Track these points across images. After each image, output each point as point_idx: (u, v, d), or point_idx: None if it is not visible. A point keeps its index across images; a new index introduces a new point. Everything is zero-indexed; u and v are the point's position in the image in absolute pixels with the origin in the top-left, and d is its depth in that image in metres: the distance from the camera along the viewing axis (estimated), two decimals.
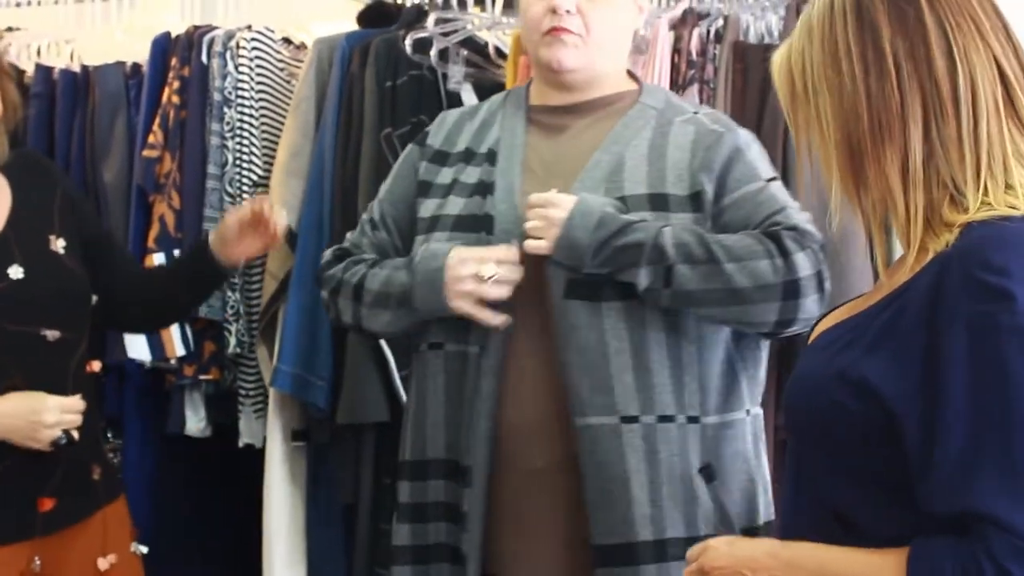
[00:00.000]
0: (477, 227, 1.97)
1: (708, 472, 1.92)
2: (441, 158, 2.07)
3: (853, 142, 1.30)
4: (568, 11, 1.96)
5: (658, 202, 1.92)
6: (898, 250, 1.32)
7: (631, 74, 2.11)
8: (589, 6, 1.97)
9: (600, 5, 1.98)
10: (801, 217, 1.92)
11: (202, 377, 2.87)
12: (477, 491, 1.93)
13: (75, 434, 2.18)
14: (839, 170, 1.33)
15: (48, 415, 2.15)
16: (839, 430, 1.30)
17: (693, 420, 1.91)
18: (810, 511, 1.38)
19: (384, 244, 2.10)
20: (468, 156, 2.05)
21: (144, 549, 2.41)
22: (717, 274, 1.84)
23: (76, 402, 2.20)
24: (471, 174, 2.02)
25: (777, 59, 1.39)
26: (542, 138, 2.03)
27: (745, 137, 1.99)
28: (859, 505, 1.32)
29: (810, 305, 1.85)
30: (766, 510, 1.99)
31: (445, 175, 2.05)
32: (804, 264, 1.85)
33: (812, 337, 1.43)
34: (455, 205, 2.00)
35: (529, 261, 1.92)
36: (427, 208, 2.03)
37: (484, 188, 1.99)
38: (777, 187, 1.97)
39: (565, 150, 2.01)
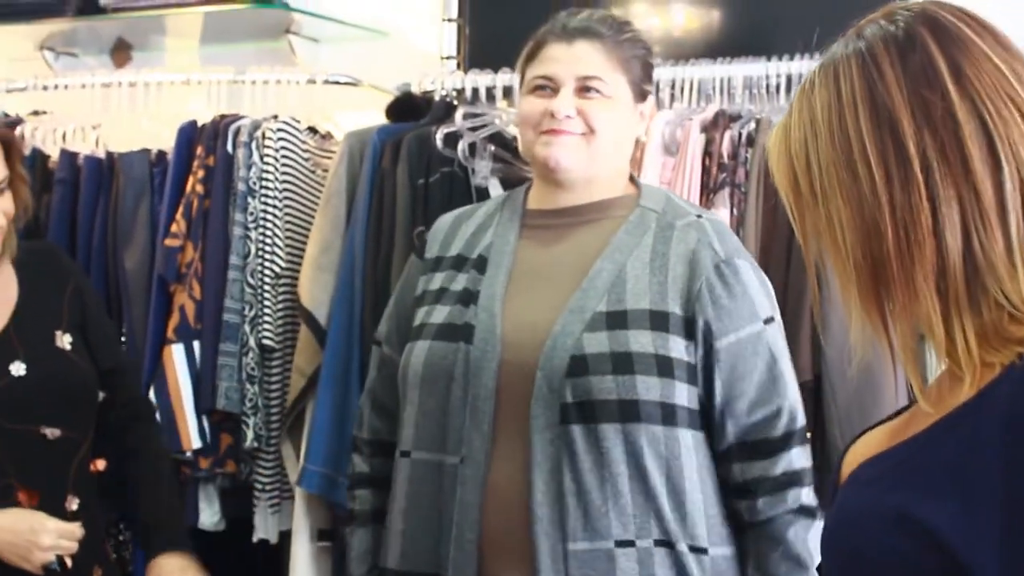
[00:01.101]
0: (457, 336, 1.93)
1: (695, 549, 1.87)
2: (435, 265, 2.04)
3: (876, 260, 1.09)
4: (568, 116, 1.92)
5: (659, 321, 1.86)
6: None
7: (632, 178, 2.05)
8: (589, 107, 1.92)
9: (601, 107, 1.93)
10: (793, 410, 1.91)
11: (218, 470, 2.83)
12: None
13: (68, 561, 2.14)
14: (860, 293, 1.12)
15: (45, 538, 2.11)
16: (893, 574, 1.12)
17: (695, 550, 1.86)
18: None
19: (390, 364, 2.08)
20: (459, 263, 2.01)
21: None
22: None
23: (75, 530, 2.16)
24: (459, 281, 1.98)
25: (774, 148, 1.18)
26: (536, 244, 1.98)
27: (747, 265, 1.93)
28: None
29: None
30: None
31: (435, 281, 2.02)
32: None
33: (848, 468, 1.26)
34: (440, 314, 1.97)
35: (512, 374, 1.87)
36: (417, 316, 2.01)
37: (468, 296, 1.95)
38: (773, 333, 1.91)
39: (560, 256, 1.96)
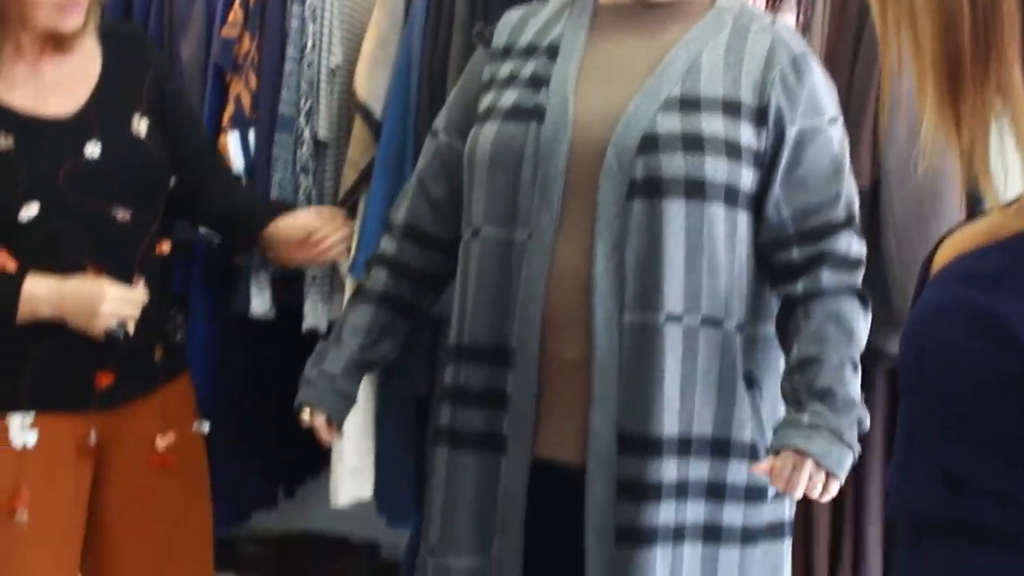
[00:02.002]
0: (527, 118, 1.96)
1: (750, 378, 1.94)
2: (503, 54, 2.06)
3: (953, 53, 1.04)
4: None
5: (731, 108, 1.91)
6: None
7: None
8: None
9: None
10: (852, 201, 1.97)
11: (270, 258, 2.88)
12: (524, 375, 1.93)
13: (131, 327, 2.19)
14: (935, 91, 1.08)
15: (106, 305, 2.15)
16: (962, 375, 1.13)
17: (741, 328, 1.94)
18: (918, 473, 1.22)
19: (445, 152, 2.12)
20: (529, 51, 2.03)
21: (206, 427, 2.45)
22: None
23: (137, 295, 2.20)
24: (529, 67, 2.01)
25: None
26: (608, 37, 2.01)
27: (817, 66, 1.98)
28: (971, 465, 1.15)
29: None
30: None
31: (505, 69, 2.04)
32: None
33: (937, 266, 1.25)
34: (509, 97, 2.00)
35: (583, 154, 1.92)
36: (484, 102, 2.04)
37: (539, 81, 1.98)
38: (838, 132, 1.97)
39: (632, 49, 1.98)
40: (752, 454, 1.94)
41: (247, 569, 3.18)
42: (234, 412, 2.97)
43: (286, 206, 2.52)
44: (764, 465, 1.88)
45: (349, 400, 2.17)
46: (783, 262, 1.97)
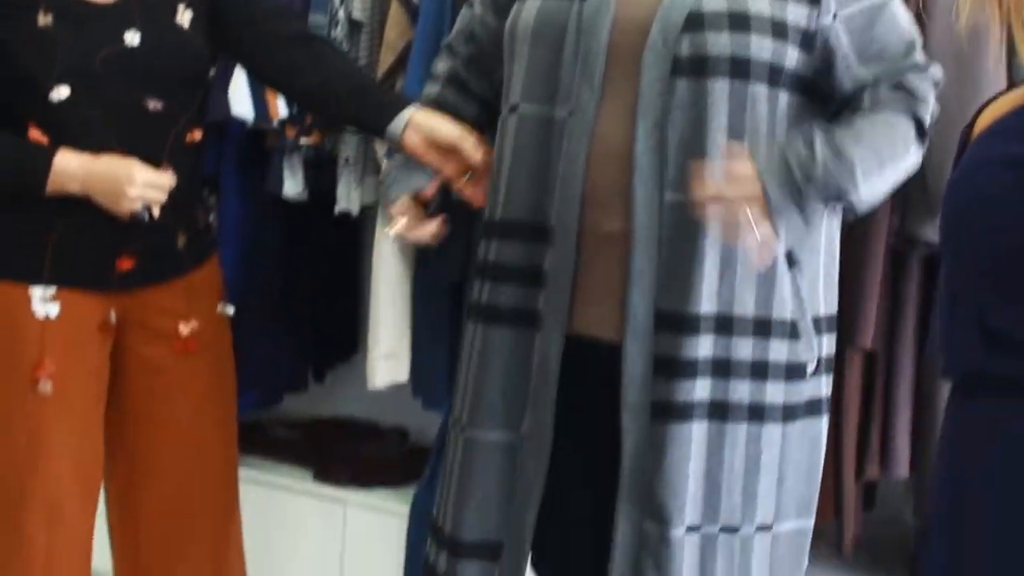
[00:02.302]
0: None
1: (791, 257, 1.94)
2: None
3: None
4: None
5: None
6: None
7: None
8: None
9: None
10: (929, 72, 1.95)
11: (303, 140, 2.88)
12: (563, 251, 1.93)
13: (156, 211, 2.20)
14: None
15: (132, 188, 2.15)
16: (1001, 225, 1.16)
17: None
18: (961, 330, 1.26)
19: (477, 24, 2.12)
20: None
21: (231, 310, 2.46)
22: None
23: (164, 179, 2.20)
24: None
25: None
26: None
27: None
28: (1009, 318, 1.20)
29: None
30: (827, 305, 2.01)
31: None
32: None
33: (979, 129, 1.30)
34: None
35: (626, 29, 1.90)
36: None
37: None
38: (899, 7, 1.94)
39: None
40: (792, 333, 1.94)
41: (277, 452, 3.22)
42: (265, 294, 3.00)
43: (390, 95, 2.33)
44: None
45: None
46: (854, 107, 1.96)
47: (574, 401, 1.97)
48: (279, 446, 3.25)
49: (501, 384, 2.00)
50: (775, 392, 1.93)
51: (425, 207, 2.18)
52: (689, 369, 1.89)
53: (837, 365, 2.36)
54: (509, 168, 1.99)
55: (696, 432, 1.90)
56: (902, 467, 2.47)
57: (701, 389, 1.90)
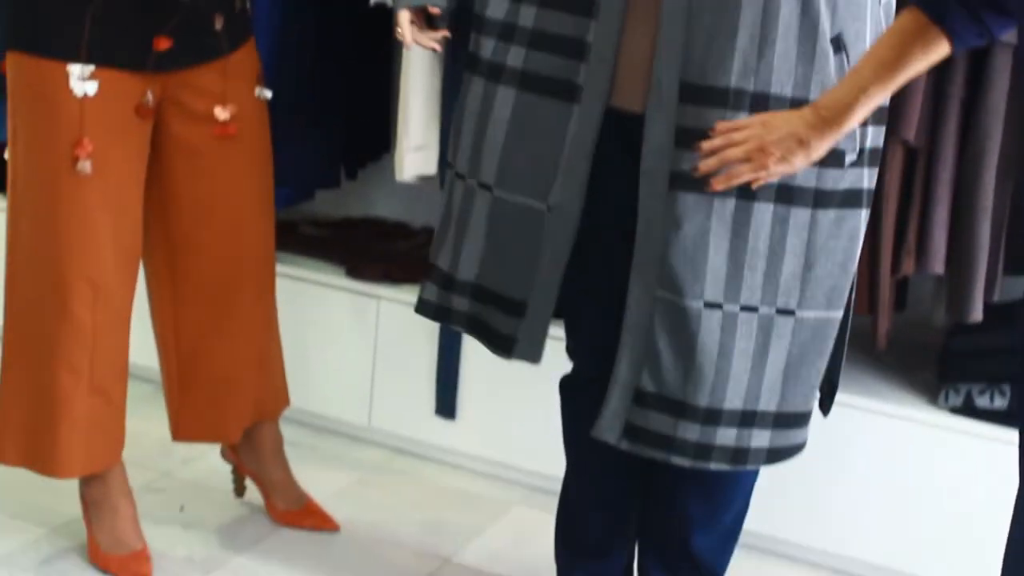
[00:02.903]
0: None
1: (838, 42, 1.91)
2: None
3: None
4: None
5: None
6: None
7: None
8: None
9: None
10: None
11: None
12: (607, 24, 1.93)
13: None
14: None
15: None
16: None
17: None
18: None
19: None
20: None
21: (268, 94, 2.45)
22: None
23: None
24: None
25: None
26: None
27: None
28: None
29: None
30: (874, 140, 2.00)
31: None
32: None
33: None
34: None
35: None
36: None
37: None
38: None
39: None
40: None
41: (308, 249, 3.23)
42: (298, 87, 2.97)
43: None
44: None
45: None
46: None
47: (602, 173, 1.98)
48: (312, 243, 3.27)
49: (535, 152, 2.01)
50: (807, 176, 1.93)
51: (432, 20, 2.19)
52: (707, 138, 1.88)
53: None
54: None
55: (719, 207, 1.91)
56: (938, 263, 2.48)
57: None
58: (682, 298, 1.94)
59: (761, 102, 1.89)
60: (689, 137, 1.89)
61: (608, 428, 2.04)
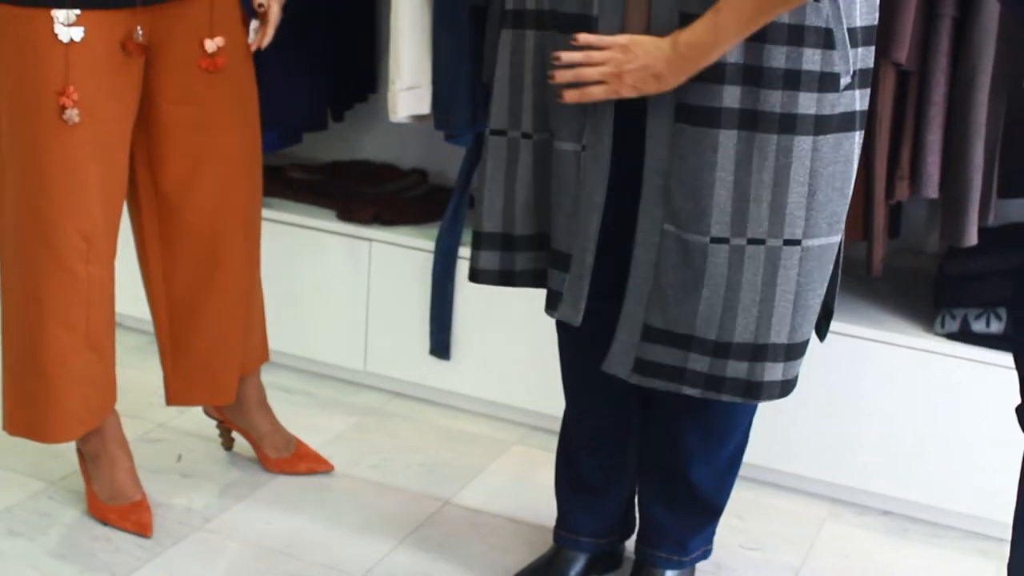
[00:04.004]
0: None
1: None
2: None
3: None
4: None
5: None
6: None
7: None
8: None
9: None
10: None
11: None
12: None
13: None
14: None
15: None
16: None
17: None
18: None
19: None
20: None
21: (255, 24, 2.42)
22: None
23: None
24: None
25: None
26: None
27: None
28: None
29: None
30: (864, 16, 1.96)
31: None
32: None
33: None
34: None
35: None
36: None
37: None
38: None
39: None
40: (827, 42, 1.90)
41: (297, 192, 3.21)
42: (281, 27, 2.92)
43: None
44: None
45: None
46: None
47: (620, 110, 1.97)
48: (301, 187, 3.24)
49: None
50: (807, 102, 1.90)
51: None
52: (717, 74, 1.87)
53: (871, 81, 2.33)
54: None
55: (724, 140, 1.89)
56: (932, 187, 2.46)
57: (730, 96, 1.88)
58: (688, 232, 1.93)
59: (759, 32, 1.86)
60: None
61: (618, 362, 2.03)
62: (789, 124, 1.90)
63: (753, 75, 1.88)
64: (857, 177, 2.07)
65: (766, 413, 2.39)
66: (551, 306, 2.09)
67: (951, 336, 2.59)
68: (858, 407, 2.64)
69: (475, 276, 2.15)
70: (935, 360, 2.58)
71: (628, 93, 1.88)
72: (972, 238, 2.45)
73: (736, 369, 1.99)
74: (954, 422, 2.58)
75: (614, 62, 1.87)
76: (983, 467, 2.56)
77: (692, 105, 1.89)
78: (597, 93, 1.89)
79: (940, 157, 2.46)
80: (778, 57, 1.87)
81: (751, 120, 1.89)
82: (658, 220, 1.95)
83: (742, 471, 2.34)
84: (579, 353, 2.19)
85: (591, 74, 1.88)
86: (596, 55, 1.88)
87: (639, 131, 1.96)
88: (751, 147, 1.90)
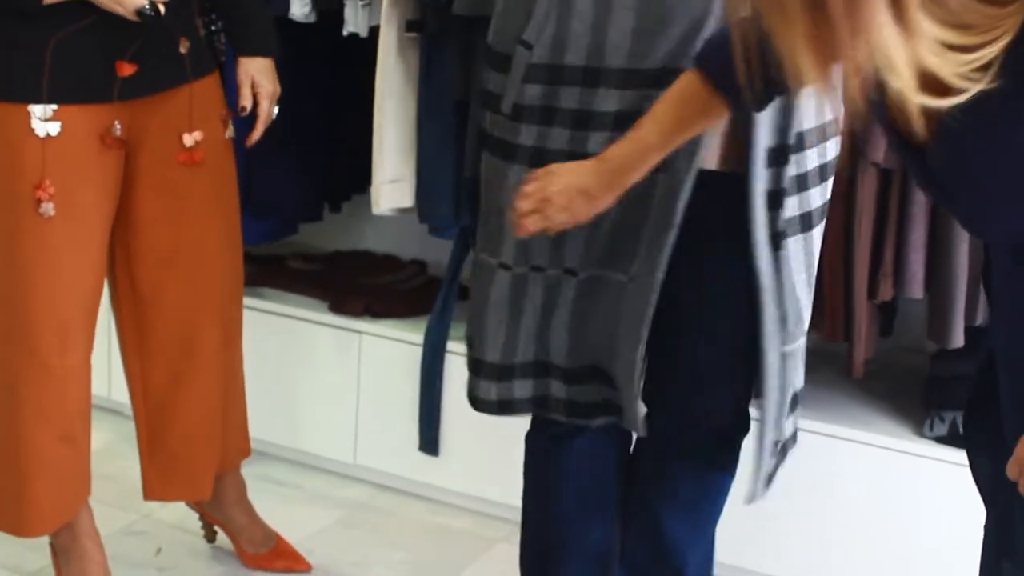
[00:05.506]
0: None
1: None
2: None
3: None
4: None
5: None
6: None
7: None
8: None
9: None
10: None
11: None
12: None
13: (161, 8, 2.15)
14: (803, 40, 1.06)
15: None
16: None
17: None
18: (994, 249, 1.36)
19: None
20: None
21: (231, 132, 2.43)
22: None
23: None
24: None
25: None
26: None
27: None
28: None
29: None
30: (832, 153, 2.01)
31: None
32: None
33: None
34: None
35: None
36: None
37: None
38: None
39: None
40: (831, 132, 1.98)
41: (293, 282, 3.21)
42: (277, 117, 2.94)
43: None
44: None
45: None
46: None
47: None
48: (299, 277, 3.24)
49: (613, 228, 1.97)
50: (824, 193, 2.00)
51: None
52: (786, 193, 1.92)
53: (850, 182, 2.33)
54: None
55: (792, 246, 1.94)
56: (916, 286, 2.41)
57: (791, 208, 1.93)
58: (793, 342, 2.02)
59: (799, 139, 1.91)
60: (773, 197, 1.91)
61: (761, 489, 2.10)
62: (820, 216, 2.02)
63: (802, 182, 1.94)
64: (836, 278, 2.06)
65: (753, 512, 2.33)
66: (584, 415, 2.09)
67: (940, 440, 2.52)
68: (846, 509, 2.58)
69: (475, 404, 2.15)
70: (924, 464, 2.51)
71: (559, 216, 1.84)
72: (958, 339, 2.40)
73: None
74: (944, 527, 2.51)
75: (539, 189, 1.84)
76: (972, 571, 2.48)
77: (782, 231, 1.93)
78: (529, 224, 1.85)
79: (924, 255, 2.41)
80: (812, 159, 1.94)
81: (808, 223, 1.97)
82: (776, 343, 1.98)
83: (727, 573, 2.28)
84: (574, 464, 2.18)
85: (522, 206, 1.85)
86: (526, 187, 1.86)
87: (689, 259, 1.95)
88: (811, 242, 2.00)
